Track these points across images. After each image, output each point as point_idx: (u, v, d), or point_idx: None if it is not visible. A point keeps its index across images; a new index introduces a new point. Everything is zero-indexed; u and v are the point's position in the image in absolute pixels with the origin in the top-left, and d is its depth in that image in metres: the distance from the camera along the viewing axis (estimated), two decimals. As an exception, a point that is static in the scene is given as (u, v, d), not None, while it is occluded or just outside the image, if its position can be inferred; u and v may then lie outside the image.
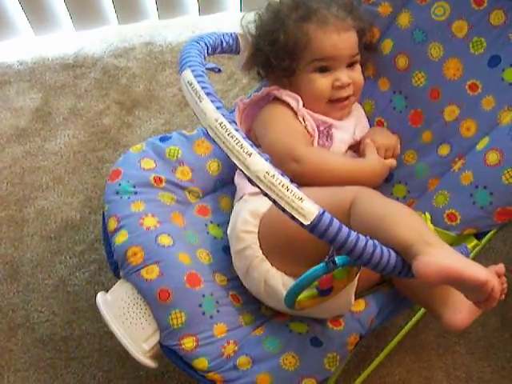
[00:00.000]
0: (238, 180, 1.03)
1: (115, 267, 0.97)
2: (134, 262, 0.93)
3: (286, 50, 0.98)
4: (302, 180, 0.92)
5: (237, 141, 0.71)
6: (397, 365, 1.17)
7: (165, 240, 0.96)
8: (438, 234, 0.94)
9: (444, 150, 1.01)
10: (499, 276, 0.72)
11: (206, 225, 1.05)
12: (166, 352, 0.91)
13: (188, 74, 0.79)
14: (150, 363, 0.91)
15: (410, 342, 1.19)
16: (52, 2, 1.51)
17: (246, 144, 0.71)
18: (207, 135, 1.12)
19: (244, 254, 0.91)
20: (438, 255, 0.70)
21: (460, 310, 0.84)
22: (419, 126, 1.06)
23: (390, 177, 1.08)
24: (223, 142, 0.72)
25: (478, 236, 0.96)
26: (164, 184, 1.05)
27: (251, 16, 1.03)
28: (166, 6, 1.55)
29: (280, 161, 0.92)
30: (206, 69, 0.88)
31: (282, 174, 0.69)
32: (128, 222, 0.98)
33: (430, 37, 1.03)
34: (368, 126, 1.10)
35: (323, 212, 0.67)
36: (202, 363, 0.89)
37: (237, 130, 0.72)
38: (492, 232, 0.98)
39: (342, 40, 0.98)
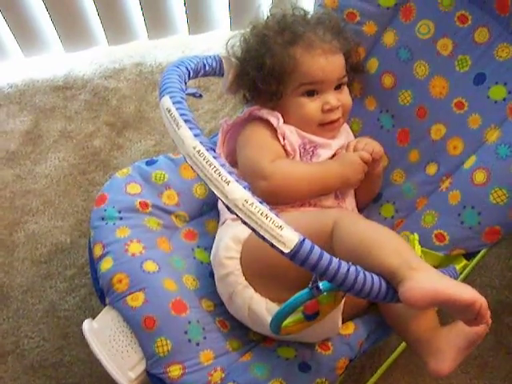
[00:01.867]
0: (221, 205, 1.02)
1: (101, 294, 0.96)
2: (119, 289, 0.92)
3: (273, 74, 0.98)
4: (274, 197, 0.93)
5: (214, 168, 0.71)
6: (391, 386, 1.16)
7: (150, 266, 0.95)
8: (426, 254, 0.94)
9: (431, 169, 1.00)
10: None
11: (192, 249, 1.04)
12: (153, 380, 0.90)
13: (167, 101, 0.79)
14: (137, 391, 0.90)
15: (404, 361, 1.17)
16: (41, 24, 1.51)
17: (224, 172, 0.70)
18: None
19: (227, 281, 0.90)
20: (422, 279, 0.69)
21: (444, 359, 0.83)
22: (406, 145, 1.05)
23: (378, 196, 1.07)
24: (201, 170, 0.72)
25: (468, 256, 0.95)
26: (150, 209, 1.04)
27: (237, 38, 1.03)
28: (156, 27, 1.54)
29: (250, 180, 0.94)
30: (187, 94, 0.88)
31: (261, 202, 0.69)
32: (113, 248, 0.97)
33: (415, 55, 1.03)
34: None
35: (303, 240, 0.67)
36: (188, 391, 0.88)
37: (215, 158, 0.71)
38: (485, 250, 0.97)
39: (329, 63, 0.98)
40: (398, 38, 1.04)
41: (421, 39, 1.02)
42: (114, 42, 1.57)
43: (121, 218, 1.01)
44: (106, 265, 0.95)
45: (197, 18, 1.53)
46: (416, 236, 0.96)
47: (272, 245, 0.66)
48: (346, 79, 1.02)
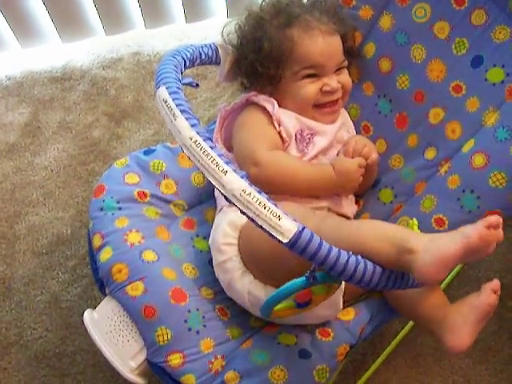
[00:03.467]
0: (217, 193, 1.01)
1: (101, 284, 0.97)
2: (118, 278, 0.92)
3: (271, 57, 0.97)
4: (263, 185, 0.92)
5: (212, 159, 0.70)
6: (393, 371, 1.16)
7: (149, 256, 0.95)
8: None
9: (430, 154, 0.99)
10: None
11: (191, 238, 1.04)
12: (154, 369, 0.90)
13: (163, 92, 0.79)
14: (138, 380, 0.90)
15: (406, 347, 1.17)
16: (38, 15, 1.50)
17: (221, 162, 0.70)
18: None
19: (225, 267, 0.90)
20: (424, 257, 0.68)
21: (461, 335, 0.82)
22: (405, 130, 1.04)
23: (377, 182, 1.06)
24: (198, 161, 0.71)
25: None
26: (148, 198, 1.04)
27: (232, 25, 1.02)
28: (152, 15, 1.54)
29: (242, 165, 0.95)
30: (183, 84, 0.87)
31: (259, 192, 0.68)
32: (112, 238, 0.97)
33: (412, 39, 1.02)
34: (354, 130, 1.09)
35: (302, 229, 0.66)
36: (189, 380, 0.88)
37: (212, 148, 0.71)
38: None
39: (327, 44, 0.97)
40: (395, 22, 1.03)
41: (417, 23, 1.01)
42: (111, 32, 1.56)
43: (120, 208, 1.01)
44: (105, 255, 0.95)
45: (193, 6, 1.52)
46: (415, 221, 0.95)
47: (271, 234, 0.66)
48: (345, 62, 1.01)
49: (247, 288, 0.88)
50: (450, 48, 0.98)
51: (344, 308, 0.97)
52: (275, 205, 0.67)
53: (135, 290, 0.91)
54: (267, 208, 0.66)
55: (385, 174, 1.06)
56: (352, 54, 1.05)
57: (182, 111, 0.74)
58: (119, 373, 0.89)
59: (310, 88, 0.98)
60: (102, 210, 1.01)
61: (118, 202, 1.01)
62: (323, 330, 0.93)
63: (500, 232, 0.68)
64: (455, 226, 0.90)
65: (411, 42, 1.02)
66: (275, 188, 0.94)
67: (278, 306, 0.80)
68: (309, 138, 0.99)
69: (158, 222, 1.03)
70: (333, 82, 0.98)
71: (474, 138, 0.93)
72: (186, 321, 0.90)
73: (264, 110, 0.99)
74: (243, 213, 0.68)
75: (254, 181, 0.92)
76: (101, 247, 0.97)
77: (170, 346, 0.88)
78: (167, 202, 1.06)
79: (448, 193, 0.94)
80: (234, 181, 0.68)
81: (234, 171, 0.69)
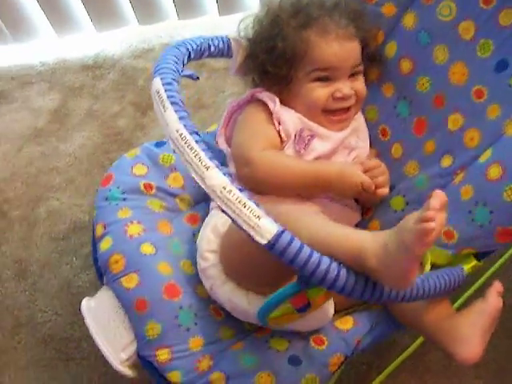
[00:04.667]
0: None
1: (100, 274, 0.97)
2: (115, 269, 0.92)
3: (284, 57, 0.94)
4: (256, 185, 0.91)
5: (195, 153, 0.69)
6: (399, 387, 1.11)
7: (147, 249, 0.94)
8: (434, 252, 0.88)
9: (446, 162, 0.94)
10: None
11: (193, 234, 1.02)
12: (143, 362, 0.89)
13: (157, 82, 0.78)
14: (128, 372, 0.90)
15: (414, 362, 1.12)
16: (72, 4, 1.53)
17: (205, 157, 0.68)
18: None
19: (208, 273, 0.89)
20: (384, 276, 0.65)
21: (472, 345, 0.79)
22: (422, 136, 0.98)
23: (391, 188, 1.01)
24: (183, 154, 0.70)
25: (479, 256, 0.88)
26: (154, 191, 1.04)
27: (249, 19, 1.00)
28: (185, 7, 1.53)
29: (236, 164, 0.93)
30: (183, 76, 0.86)
31: (240, 190, 0.66)
32: (113, 228, 0.97)
33: (435, 39, 0.96)
34: (367, 137, 1.04)
35: (282, 231, 0.64)
36: (175, 376, 0.86)
37: (197, 142, 0.70)
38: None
39: (343, 49, 0.93)
40: (418, 21, 0.97)
41: (442, 21, 0.95)
42: (145, 22, 1.57)
43: (124, 199, 1.01)
44: (104, 245, 0.96)
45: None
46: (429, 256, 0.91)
47: (250, 235, 0.64)
48: (361, 67, 0.97)
49: (228, 296, 0.87)
50: (474, 50, 0.91)
51: (343, 316, 0.94)
52: (256, 204, 0.65)
53: (129, 281, 0.91)
54: (247, 207, 0.64)
55: (398, 180, 1.00)
56: (373, 59, 1.01)
57: (173, 103, 0.74)
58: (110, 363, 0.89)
59: (320, 92, 0.94)
60: (107, 199, 1.01)
61: (124, 193, 1.01)
62: (317, 338, 0.90)
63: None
64: (466, 240, 0.87)
65: (434, 43, 0.96)
66: (266, 189, 0.92)
67: (276, 313, 0.78)
68: (308, 140, 0.95)
69: (162, 215, 1.02)
70: (346, 88, 0.95)
71: (492, 147, 0.87)
72: (176, 317, 0.88)
73: (266, 107, 0.96)
74: (223, 211, 0.66)
75: (246, 181, 0.92)
76: (102, 236, 0.97)
77: (159, 341, 0.87)
78: (173, 195, 1.05)
79: (460, 204, 0.88)
80: (215, 177, 0.66)
81: (217, 167, 0.67)
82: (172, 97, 0.74)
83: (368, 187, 0.89)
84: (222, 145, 1.01)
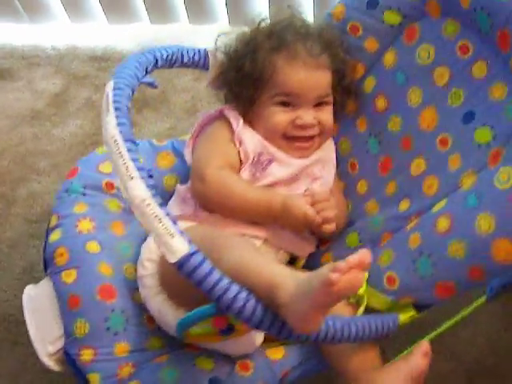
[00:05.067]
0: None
1: (45, 263, 0.97)
2: (58, 262, 0.93)
3: (251, 78, 0.94)
4: (206, 203, 0.91)
5: (124, 161, 0.70)
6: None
7: (92, 247, 0.95)
8: (373, 296, 0.86)
9: (404, 205, 0.91)
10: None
11: (145, 239, 1.02)
12: (67, 359, 0.89)
13: (109, 86, 0.79)
14: (53, 366, 0.90)
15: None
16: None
17: (132, 166, 0.69)
18: (173, 148, 1.10)
19: (144, 282, 0.89)
20: (291, 312, 0.64)
21: None
22: (386, 176, 0.96)
23: (351, 223, 0.99)
24: (113, 160, 0.71)
25: (419, 308, 0.85)
26: (115, 190, 1.04)
27: (230, 36, 1.00)
28: (196, 11, 1.54)
29: (192, 177, 0.94)
30: (142, 83, 0.87)
31: (160, 205, 0.67)
32: (65, 221, 0.98)
33: (411, 80, 0.94)
34: (333, 168, 1.02)
35: (194, 252, 0.64)
36: (94, 379, 0.86)
37: (129, 151, 0.71)
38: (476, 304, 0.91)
39: (309, 77, 0.92)
40: (398, 60, 0.96)
41: (419, 64, 0.93)
42: (156, 21, 1.58)
43: (84, 194, 1.01)
44: (54, 236, 0.96)
45: (236, 8, 1.50)
46: (365, 274, 0.88)
47: (162, 251, 0.64)
48: (329, 98, 0.96)
49: (158, 307, 0.87)
50: (445, 97, 0.89)
51: (276, 345, 0.92)
52: (173, 222, 0.65)
53: (68, 276, 0.91)
54: (162, 223, 0.65)
55: (358, 217, 0.99)
56: (348, 91, 0.99)
57: (116, 108, 0.74)
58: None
59: (281, 116, 0.93)
60: (67, 191, 1.02)
61: (85, 188, 1.02)
62: (244, 363, 0.88)
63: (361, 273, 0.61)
64: (405, 289, 0.85)
65: (410, 84, 0.94)
66: (215, 208, 0.91)
67: (197, 330, 0.78)
68: (265, 164, 0.94)
69: (117, 216, 1.02)
70: (308, 116, 0.93)
71: (446, 198, 0.85)
72: (106, 319, 0.88)
73: (231, 125, 0.96)
74: (141, 223, 0.66)
75: (197, 196, 0.92)
76: (54, 227, 0.98)
77: (85, 341, 0.87)
78: (134, 197, 1.05)
79: (406, 252, 0.85)
80: (137, 188, 0.67)
81: (142, 178, 0.68)
82: (117, 102, 0.76)
83: (312, 221, 0.87)
84: (187, 156, 1.01)
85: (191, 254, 0.63)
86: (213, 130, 0.98)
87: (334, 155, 1.03)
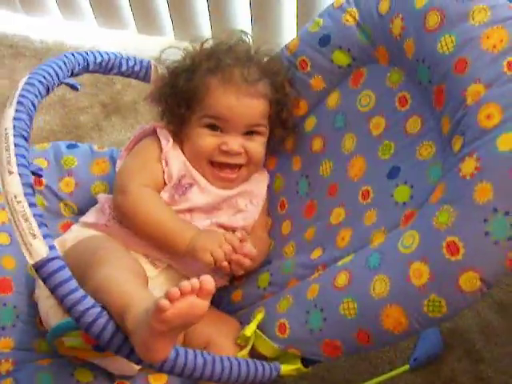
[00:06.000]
0: None
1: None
2: None
3: (184, 97, 0.91)
4: (122, 216, 0.89)
5: (8, 154, 0.69)
6: None
7: (3, 238, 0.95)
8: (261, 340, 0.83)
9: (316, 254, 0.87)
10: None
11: (58, 241, 1.01)
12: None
13: (23, 80, 0.79)
14: None
15: None
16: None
17: (14, 161, 0.69)
18: (111, 157, 1.09)
19: (39, 283, 0.87)
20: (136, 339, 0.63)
21: None
22: (309, 220, 0.92)
23: (267, 262, 0.96)
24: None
25: (306, 362, 0.81)
26: (42, 188, 1.03)
27: (175, 50, 0.98)
28: (183, 28, 1.54)
29: (114, 189, 0.92)
30: (64, 83, 0.86)
31: (30, 205, 0.65)
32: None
33: (348, 126, 0.90)
34: (260, 204, 0.98)
35: (54, 258, 0.64)
36: (-31, 368, 0.85)
37: (16, 146, 0.70)
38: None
39: (240, 104, 0.89)
40: (340, 103, 0.92)
41: (358, 110, 0.89)
42: (143, 32, 1.60)
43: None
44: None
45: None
46: (260, 316, 0.85)
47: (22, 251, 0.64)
48: (261, 128, 0.93)
49: (47, 310, 0.85)
50: (376, 149, 0.85)
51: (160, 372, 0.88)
52: (42, 224, 0.65)
53: (-29, 265, 0.90)
54: (28, 222, 0.64)
55: (275, 258, 0.95)
56: (285, 125, 0.96)
57: (19, 102, 0.74)
58: None
59: (208, 140, 0.91)
60: (-6, 183, 1.01)
61: (11, 181, 1.01)
62: (121, 383, 0.85)
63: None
64: (294, 339, 0.81)
65: (346, 129, 0.90)
66: (129, 223, 0.89)
67: (71, 343, 0.76)
68: (186, 188, 0.91)
69: (37, 214, 1.01)
70: (234, 143, 0.90)
71: (353, 254, 0.81)
72: (-5, 312, 0.87)
73: (160, 144, 0.93)
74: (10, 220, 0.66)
75: (116, 208, 0.89)
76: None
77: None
78: (59, 198, 1.04)
79: (302, 301, 0.82)
80: (13, 184, 0.66)
81: (21, 175, 0.67)
82: (23, 97, 0.75)
83: (222, 267, 0.84)
84: (118, 166, 0.98)
85: (50, 259, 0.63)
86: (143, 145, 0.96)
87: (264, 190, 0.99)
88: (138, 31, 1.61)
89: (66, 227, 1.02)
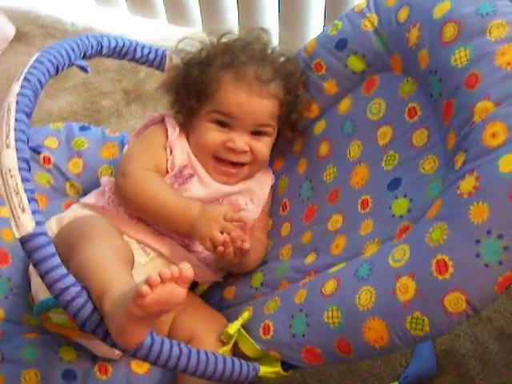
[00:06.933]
0: None
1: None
2: None
3: (195, 89, 0.91)
4: (123, 198, 0.89)
5: (7, 129, 0.71)
6: None
7: (4, 211, 0.95)
8: (245, 341, 0.82)
9: (310, 259, 0.86)
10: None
11: (59, 218, 1.02)
12: None
13: (31, 60, 0.80)
14: None
15: None
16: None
17: (12, 136, 0.69)
18: (121, 142, 1.09)
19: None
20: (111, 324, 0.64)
21: None
22: (307, 224, 0.91)
23: (264, 263, 0.95)
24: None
25: (286, 366, 0.80)
26: (50, 166, 1.04)
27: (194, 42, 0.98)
28: (211, 19, 1.54)
29: (117, 170, 0.92)
30: (75, 65, 0.87)
31: (23, 180, 0.66)
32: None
33: (356, 133, 0.89)
34: (261, 204, 0.97)
35: (39, 234, 0.64)
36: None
37: (17, 120, 0.71)
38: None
39: (250, 102, 0.89)
40: (351, 109, 0.91)
41: (368, 118, 0.87)
42: (173, 22, 1.60)
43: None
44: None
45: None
46: (246, 315, 0.84)
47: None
48: (268, 129, 0.92)
49: (37, 288, 0.86)
50: (381, 159, 0.84)
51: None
52: (33, 199, 0.65)
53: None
54: (18, 196, 0.64)
55: (272, 259, 0.94)
56: (294, 127, 0.95)
57: (25, 79, 0.75)
58: None
59: (214, 135, 0.90)
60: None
61: (21, 158, 1.02)
62: (103, 366, 0.86)
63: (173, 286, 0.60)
64: (276, 342, 0.80)
65: (354, 136, 0.89)
66: (129, 206, 0.89)
67: (57, 320, 0.78)
68: (186, 178, 0.91)
69: (43, 191, 1.02)
70: (240, 140, 0.90)
71: (346, 262, 0.80)
72: (-11, 283, 0.88)
73: (167, 132, 0.93)
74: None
75: (117, 190, 0.90)
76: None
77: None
78: (66, 178, 1.04)
79: (289, 305, 0.81)
80: (8, 157, 0.67)
81: (18, 149, 0.67)
82: (31, 74, 0.76)
83: (218, 242, 0.83)
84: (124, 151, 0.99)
85: (36, 235, 0.63)
86: (149, 132, 0.96)
87: (267, 191, 0.98)
88: (168, 21, 1.62)
89: (69, 206, 1.04)
